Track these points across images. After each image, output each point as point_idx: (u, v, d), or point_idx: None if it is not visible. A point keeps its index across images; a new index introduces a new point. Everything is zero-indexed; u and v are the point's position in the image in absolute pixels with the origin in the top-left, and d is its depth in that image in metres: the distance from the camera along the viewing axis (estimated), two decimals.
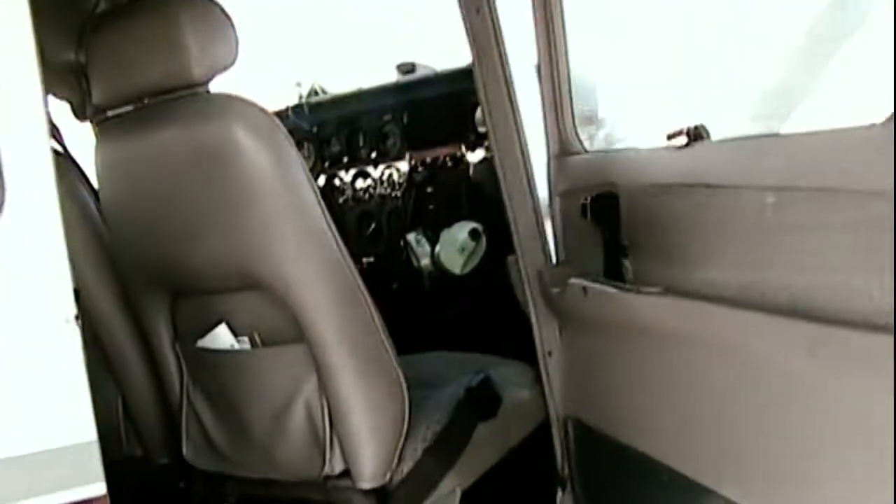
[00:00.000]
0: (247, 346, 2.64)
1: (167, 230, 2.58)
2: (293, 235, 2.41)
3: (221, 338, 2.66)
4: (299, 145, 4.29)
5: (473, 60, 2.69)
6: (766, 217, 1.93)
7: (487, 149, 3.56)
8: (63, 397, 1.81)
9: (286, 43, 4.71)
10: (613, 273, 2.65)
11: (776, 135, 2.09)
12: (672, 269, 2.41)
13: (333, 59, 4.49)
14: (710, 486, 2.13)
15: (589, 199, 2.59)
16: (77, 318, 1.78)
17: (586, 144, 2.92)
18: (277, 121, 2.52)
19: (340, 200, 4.18)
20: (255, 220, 2.41)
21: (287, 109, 4.18)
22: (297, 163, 2.46)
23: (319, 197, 2.50)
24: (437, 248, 3.65)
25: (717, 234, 2.24)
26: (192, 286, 2.66)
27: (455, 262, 3.62)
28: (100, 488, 1.82)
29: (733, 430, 2.05)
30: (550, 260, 2.84)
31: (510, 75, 2.70)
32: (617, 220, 2.62)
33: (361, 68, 4.34)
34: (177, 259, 2.60)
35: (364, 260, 4.06)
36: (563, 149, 2.88)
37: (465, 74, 3.29)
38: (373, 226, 4.15)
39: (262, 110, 2.48)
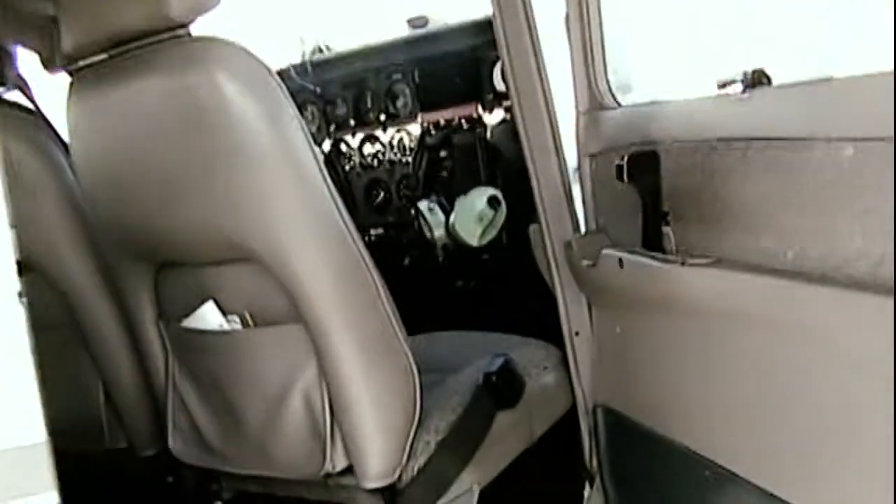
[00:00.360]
0: (237, 326, 2.37)
1: (147, 193, 2.30)
2: (289, 200, 2.15)
3: (209, 317, 2.39)
4: (302, 108, 4.19)
5: (494, 10, 2.43)
6: (842, 174, 1.73)
7: (507, 109, 3.40)
8: (6, 391, 1.49)
9: None
10: (653, 243, 2.35)
11: (862, 76, 1.74)
12: (723, 238, 2.13)
13: (339, 14, 4.15)
14: (763, 486, 1.92)
15: (626, 158, 2.26)
16: (20, 295, 1.45)
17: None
18: (270, 69, 2.18)
19: (347, 167, 3.98)
20: (245, 182, 2.16)
21: (289, 68, 3.92)
22: (293, 117, 2.14)
23: (320, 159, 2.16)
24: (452, 217, 3.38)
25: (780, 196, 1.94)
26: (177, 257, 2.40)
27: (472, 233, 3.37)
28: (50, 499, 1.49)
29: (795, 423, 1.82)
30: (579, 229, 2.58)
31: (535, 25, 2.45)
32: (657, 183, 2.32)
33: (370, 23, 4.18)
34: (158, 226, 2.33)
35: (372, 232, 3.89)
36: (594, 104, 2.57)
37: (482, 27, 3.15)
38: (382, 194, 3.92)
39: (252, 55, 2.16)
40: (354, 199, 3.90)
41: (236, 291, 2.43)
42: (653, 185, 2.33)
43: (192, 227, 2.34)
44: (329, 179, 2.27)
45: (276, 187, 2.19)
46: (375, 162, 3.91)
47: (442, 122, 3.60)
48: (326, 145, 3.97)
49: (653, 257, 2.28)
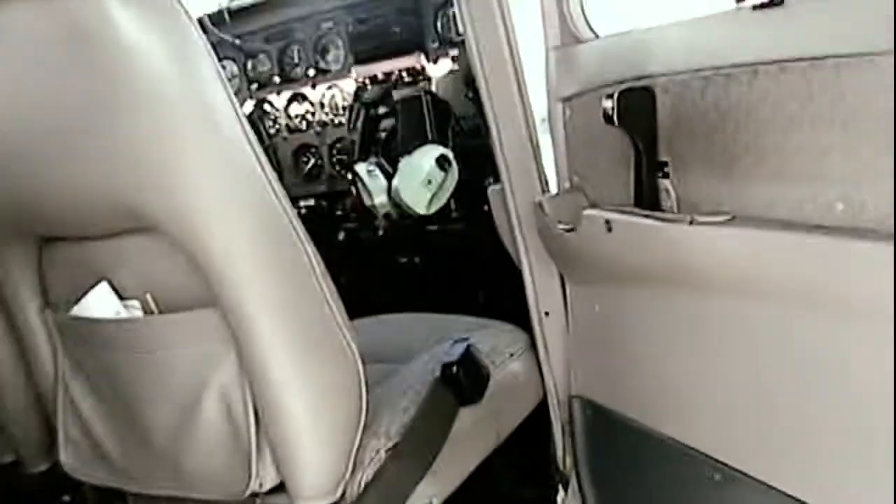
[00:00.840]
0: (138, 312, 1.92)
1: (22, 150, 1.81)
2: (202, 158, 1.69)
3: (102, 302, 1.94)
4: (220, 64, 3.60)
5: None
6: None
7: (454, 59, 3.14)
8: None
9: None
10: (648, 199, 1.99)
11: None
12: (740, 190, 1.76)
13: None
14: (777, 486, 1.71)
15: (616, 97, 1.81)
16: None
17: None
18: (181, 3, 1.71)
19: (272, 131, 3.66)
20: (145, 134, 1.68)
21: (203, 18, 3.58)
22: (206, 57, 1.68)
23: (240, 111, 1.71)
24: (396, 181, 2.99)
25: (814, 134, 1.58)
26: (62, 230, 1.96)
27: (419, 199, 2.98)
28: None
29: (825, 418, 1.58)
30: (548, 189, 2.29)
31: None
32: (653, 127, 1.93)
33: None
34: (38, 191, 1.84)
35: (302, 203, 3.60)
36: (567, 37, 2.20)
37: None
38: (312, 160, 3.62)
39: None
40: (281, 166, 3.61)
41: (136, 270, 1.95)
42: (647, 130, 1.94)
43: (79, 192, 1.83)
44: (252, 135, 1.81)
45: (185, 141, 1.72)
46: (304, 124, 3.59)
47: (380, 75, 3.25)
48: (248, 106, 3.63)
49: (651, 216, 1.85)
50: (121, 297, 1.99)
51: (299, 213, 3.44)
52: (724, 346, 1.87)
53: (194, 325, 1.90)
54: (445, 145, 3.02)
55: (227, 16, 3.59)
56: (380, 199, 3.05)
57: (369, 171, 3.04)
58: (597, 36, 2.20)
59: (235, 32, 3.57)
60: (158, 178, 1.75)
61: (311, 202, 3.58)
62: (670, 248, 1.84)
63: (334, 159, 3.52)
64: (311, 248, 1.88)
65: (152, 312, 1.96)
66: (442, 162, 2.94)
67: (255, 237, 1.82)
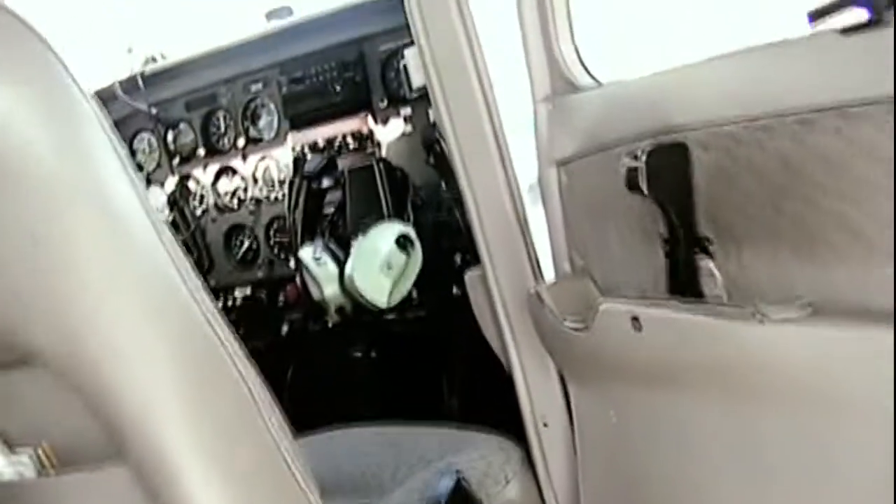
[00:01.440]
0: (29, 469, 1.41)
1: None
2: (93, 262, 1.14)
3: None
4: (135, 137, 3.36)
5: None
6: None
7: (407, 119, 2.77)
8: None
9: None
10: (686, 286, 1.58)
11: None
12: (817, 273, 1.36)
13: (178, 13, 3.35)
14: None
15: (643, 156, 1.38)
16: None
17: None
18: (58, 53, 1.22)
19: (199, 210, 3.26)
20: (13, 236, 1.11)
21: (113, 86, 3.16)
22: (96, 129, 1.17)
23: (148, 201, 1.23)
24: (349, 267, 2.55)
25: None
26: None
27: (378, 288, 2.53)
28: None
29: None
30: (541, 274, 1.96)
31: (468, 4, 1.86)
32: (689, 193, 1.53)
33: (217, 23, 3.45)
34: None
35: (238, 293, 3.19)
36: (560, 85, 1.81)
37: (368, 9, 2.71)
38: (247, 243, 3.21)
39: (27, 27, 1.19)
40: (210, 253, 3.23)
41: (27, 413, 1.45)
42: (682, 197, 1.50)
43: None
44: (165, 232, 1.33)
45: (70, 242, 1.23)
46: (235, 202, 3.19)
47: (321, 142, 2.88)
48: (170, 183, 3.26)
49: (699, 311, 1.41)
50: (9, 448, 1.49)
51: (234, 305, 3.12)
52: (793, 470, 1.46)
53: (101, 486, 1.41)
54: (404, 221, 2.62)
55: (140, 82, 3.12)
56: (330, 290, 2.58)
57: (316, 259, 2.57)
58: (598, 83, 1.78)
59: (152, 100, 3.19)
60: (38, 301, 1.26)
61: (248, 290, 3.18)
62: (728, 349, 1.42)
63: (272, 241, 3.11)
64: (244, 365, 1.40)
65: (48, 469, 1.46)
66: (403, 242, 2.53)
67: (173, 370, 1.33)
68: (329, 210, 2.77)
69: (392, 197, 2.65)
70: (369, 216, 2.62)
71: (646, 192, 1.50)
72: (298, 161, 2.92)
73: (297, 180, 2.80)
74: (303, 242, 2.72)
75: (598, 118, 1.74)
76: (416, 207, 2.64)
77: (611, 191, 1.61)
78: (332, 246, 2.62)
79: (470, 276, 2.08)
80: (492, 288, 1.95)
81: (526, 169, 1.94)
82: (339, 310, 2.60)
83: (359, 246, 2.53)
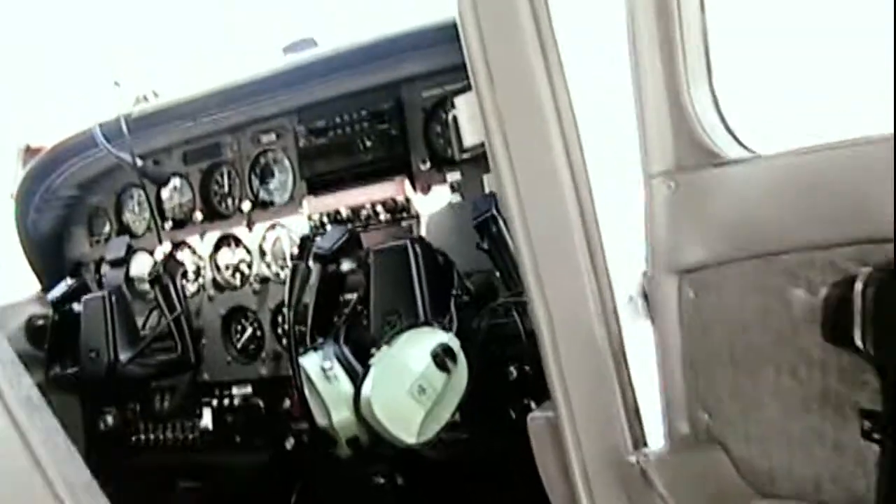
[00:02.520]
0: None
1: None
2: None
3: None
4: (123, 192, 2.94)
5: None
6: None
7: (455, 186, 2.30)
8: None
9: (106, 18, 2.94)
10: None
11: None
12: None
13: (176, 44, 2.99)
14: None
15: (863, 283, 0.76)
16: None
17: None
18: None
19: (193, 287, 2.76)
20: None
21: (92, 130, 2.62)
22: None
23: None
24: (368, 388, 1.93)
25: None
26: None
27: (405, 420, 1.91)
28: None
29: None
30: (642, 430, 1.44)
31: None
32: None
33: (223, 56, 2.86)
34: None
35: (235, 391, 2.67)
36: (694, 153, 1.24)
37: (412, 43, 2.21)
38: (249, 330, 2.69)
39: None
40: (201, 340, 2.70)
41: None
42: None
43: None
44: None
45: None
46: (238, 278, 2.71)
47: (343, 211, 2.41)
48: (159, 252, 2.74)
49: None
50: None
51: (230, 405, 2.70)
52: None
53: None
54: (445, 325, 2.02)
55: (126, 127, 2.58)
56: (341, 416, 1.95)
57: (325, 371, 1.96)
58: (752, 153, 1.17)
59: (141, 150, 2.67)
60: None
61: (248, 389, 2.66)
62: None
63: (279, 329, 2.61)
64: None
65: None
66: (442, 357, 1.92)
67: None
68: (347, 300, 2.28)
69: (430, 290, 2.11)
70: (399, 315, 2.08)
71: (859, 343, 0.88)
72: (314, 234, 2.44)
73: (310, 257, 2.27)
74: (312, 338, 2.19)
75: (756, 207, 1.15)
76: (462, 305, 2.07)
77: (772, 322, 1.20)
78: (348, 354, 2.03)
79: (535, 418, 1.63)
80: (567, 441, 1.53)
81: (625, 271, 1.43)
82: (352, 441, 1.96)
83: (383, 359, 1.92)
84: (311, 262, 2.23)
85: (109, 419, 2.83)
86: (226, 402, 2.68)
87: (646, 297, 1.44)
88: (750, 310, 1.18)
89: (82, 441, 2.88)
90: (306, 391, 2.02)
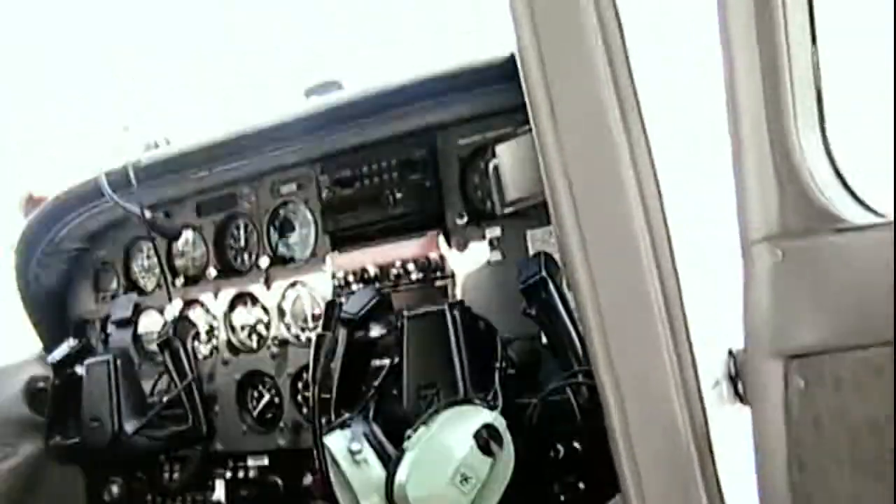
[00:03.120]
0: None
1: None
2: None
3: None
4: (131, 246, 2.74)
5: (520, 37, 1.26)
6: None
7: (494, 243, 2.11)
8: None
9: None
10: None
11: None
12: None
13: (190, 87, 2.44)
14: None
15: None
16: None
17: None
18: None
19: (205, 350, 2.55)
20: None
21: (96, 180, 2.40)
22: None
23: None
24: (403, 474, 1.68)
25: None
26: None
27: None
28: None
29: None
30: None
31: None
32: None
33: (241, 99, 2.72)
34: None
35: (251, 462, 2.46)
36: (806, 216, 1.08)
37: (448, 86, 2.03)
38: (267, 397, 2.47)
39: None
40: (214, 407, 2.48)
41: None
42: None
43: None
44: None
45: None
46: (255, 340, 2.50)
47: (371, 269, 2.22)
48: (170, 311, 2.52)
49: None
50: None
51: (245, 477, 2.48)
52: None
53: None
54: (489, 401, 1.76)
55: (133, 176, 2.37)
56: (371, 502, 1.71)
57: (353, 453, 1.72)
58: (881, 216, 0.95)
59: (151, 200, 2.47)
60: None
61: (265, 461, 2.45)
62: None
63: (299, 397, 2.40)
64: None
65: None
66: (486, 440, 1.67)
67: None
68: (376, 371, 2.03)
69: (471, 361, 1.87)
70: (436, 389, 1.84)
71: None
72: (338, 294, 2.24)
73: (334, 321, 2.06)
74: (336, 413, 1.96)
75: (886, 284, 0.91)
76: (506, 378, 1.81)
77: None
78: (379, 434, 1.79)
79: None
80: None
81: (710, 350, 1.22)
82: None
83: (419, 441, 1.68)
84: (337, 328, 2.04)
85: (115, 490, 2.62)
86: (240, 474, 2.46)
87: (733, 379, 1.23)
88: (877, 406, 0.97)
89: None
90: (331, 475, 1.81)
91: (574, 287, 1.21)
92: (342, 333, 2.01)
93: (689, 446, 1.19)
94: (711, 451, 1.18)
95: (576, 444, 1.84)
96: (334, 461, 1.78)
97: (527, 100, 1.23)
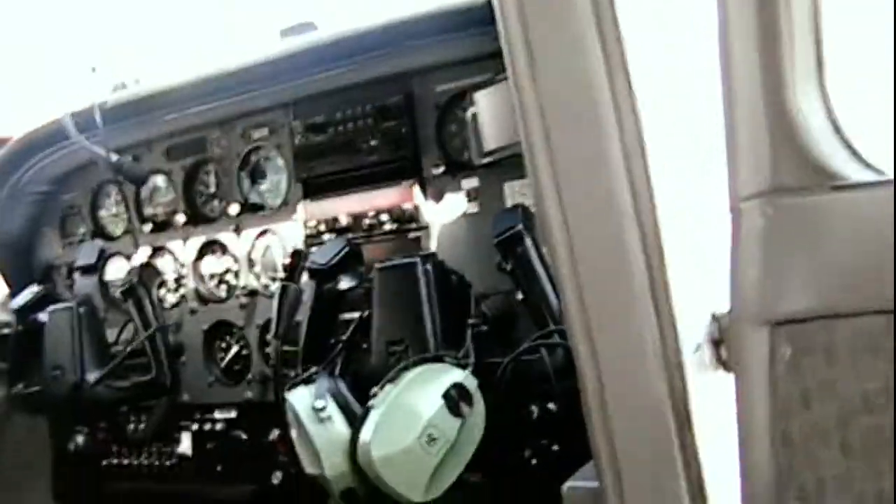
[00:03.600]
0: None
1: None
2: None
3: None
4: (99, 191, 2.64)
5: None
6: None
7: (472, 195, 2.02)
8: None
9: None
10: None
11: None
12: None
13: (162, 25, 2.69)
14: None
15: None
16: None
17: None
18: None
19: (173, 298, 2.46)
20: None
21: (62, 121, 2.28)
22: None
23: None
24: (367, 432, 1.62)
25: None
26: None
27: (412, 473, 1.60)
28: None
29: None
30: None
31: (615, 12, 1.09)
32: None
33: (214, 38, 2.59)
34: None
35: (218, 415, 2.39)
36: (800, 171, 1.00)
37: (426, 28, 1.93)
38: (235, 347, 2.39)
39: None
40: (181, 357, 2.40)
41: None
42: None
43: None
44: None
45: None
46: (223, 289, 2.41)
47: (343, 219, 2.15)
48: (138, 256, 2.45)
49: None
50: None
51: (212, 430, 2.41)
52: None
53: None
54: (458, 359, 1.70)
55: (98, 117, 2.26)
56: (334, 464, 1.65)
57: (317, 410, 1.65)
58: (879, 173, 0.89)
59: (119, 143, 2.36)
60: None
61: (232, 414, 2.36)
62: None
63: (267, 349, 2.26)
64: None
65: None
66: (456, 400, 1.61)
67: None
68: (344, 323, 1.96)
69: (443, 317, 1.80)
70: (405, 345, 1.77)
71: None
72: (309, 243, 2.16)
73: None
74: (303, 368, 1.89)
75: (887, 246, 0.84)
76: (479, 334, 1.74)
77: None
78: (344, 390, 1.72)
79: (573, 489, 1.31)
80: None
81: (692, 312, 1.13)
82: (347, 494, 1.66)
83: (385, 399, 1.60)
84: (304, 279, 1.97)
85: (80, 440, 2.56)
86: (207, 426, 2.37)
87: (716, 345, 1.16)
88: (872, 379, 0.90)
89: (49, 463, 2.64)
90: (293, 433, 1.73)
91: (548, 242, 1.13)
92: (310, 285, 1.94)
93: (666, 413, 1.11)
94: (690, 419, 1.10)
95: (550, 406, 1.77)
96: (297, 419, 1.71)
97: (502, 42, 1.15)
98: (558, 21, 1.08)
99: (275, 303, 1.97)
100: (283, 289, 1.94)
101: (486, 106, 1.77)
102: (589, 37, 1.06)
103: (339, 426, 1.66)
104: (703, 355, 1.18)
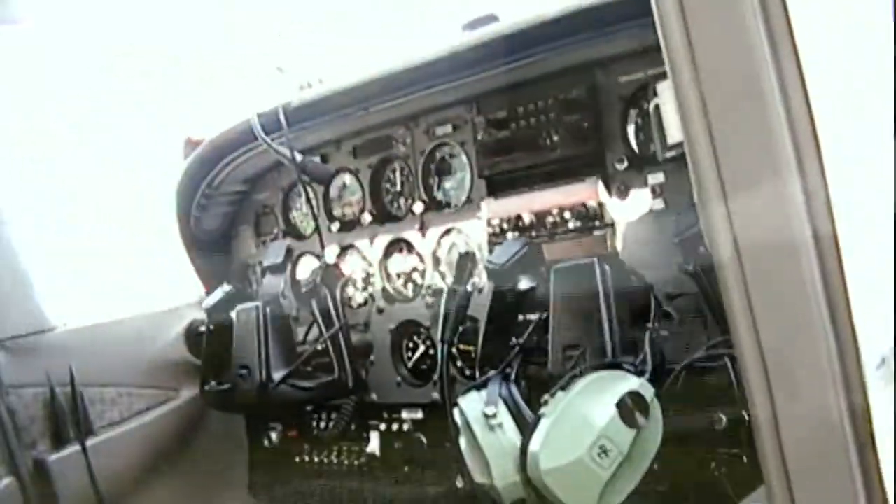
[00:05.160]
0: None
1: None
2: None
3: None
4: (288, 196, 2.65)
5: None
6: None
7: (657, 191, 1.89)
8: None
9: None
10: None
11: None
12: None
13: (345, 25, 2.58)
14: None
15: None
16: None
17: None
18: None
19: (360, 298, 2.46)
20: None
21: (250, 122, 2.32)
22: None
23: None
24: (535, 442, 1.52)
25: None
26: None
27: (580, 490, 1.48)
28: None
29: None
30: None
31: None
32: None
33: (396, 37, 2.45)
34: None
35: (405, 415, 2.37)
36: None
37: (613, 15, 1.81)
38: (421, 348, 2.34)
39: None
40: (369, 357, 2.39)
41: None
42: None
43: None
44: None
45: None
46: (410, 288, 2.37)
47: (526, 217, 2.05)
48: (326, 255, 2.41)
49: None
50: None
51: (399, 430, 2.38)
52: None
53: None
54: (636, 366, 1.58)
55: (283, 118, 2.27)
56: (504, 474, 1.57)
57: (487, 416, 1.58)
58: None
59: (308, 143, 2.39)
60: None
61: (418, 415, 2.32)
62: None
63: (455, 350, 2.18)
64: None
65: None
66: (630, 409, 1.49)
67: None
68: (525, 323, 1.87)
69: (620, 320, 1.69)
70: (581, 351, 1.65)
71: None
72: (492, 243, 2.08)
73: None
74: (481, 371, 1.83)
75: None
76: (658, 340, 1.63)
77: None
78: (517, 397, 1.64)
79: None
80: None
81: (874, 324, 1.03)
82: None
83: (557, 408, 1.51)
84: (482, 279, 1.92)
85: (273, 436, 2.57)
86: (394, 426, 2.35)
87: None
88: None
89: (245, 457, 2.67)
90: (462, 441, 1.67)
91: (713, 250, 1.03)
92: (488, 286, 1.88)
93: (845, 437, 1.00)
94: (873, 443, 0.99)
95: (744, 413, 1.65)
96: (468, 426, 1.64)
97: (660, 37, 1.06)
98: (722, 15, 0.98)
99: (442, 306, 1.92)
100: (451, 292, 1.89)
101: (670, 96, 1.67)
102: (754, 27, 0.95)
103: (510, 434, 1.58)
104: (888, 371, 1.06)
